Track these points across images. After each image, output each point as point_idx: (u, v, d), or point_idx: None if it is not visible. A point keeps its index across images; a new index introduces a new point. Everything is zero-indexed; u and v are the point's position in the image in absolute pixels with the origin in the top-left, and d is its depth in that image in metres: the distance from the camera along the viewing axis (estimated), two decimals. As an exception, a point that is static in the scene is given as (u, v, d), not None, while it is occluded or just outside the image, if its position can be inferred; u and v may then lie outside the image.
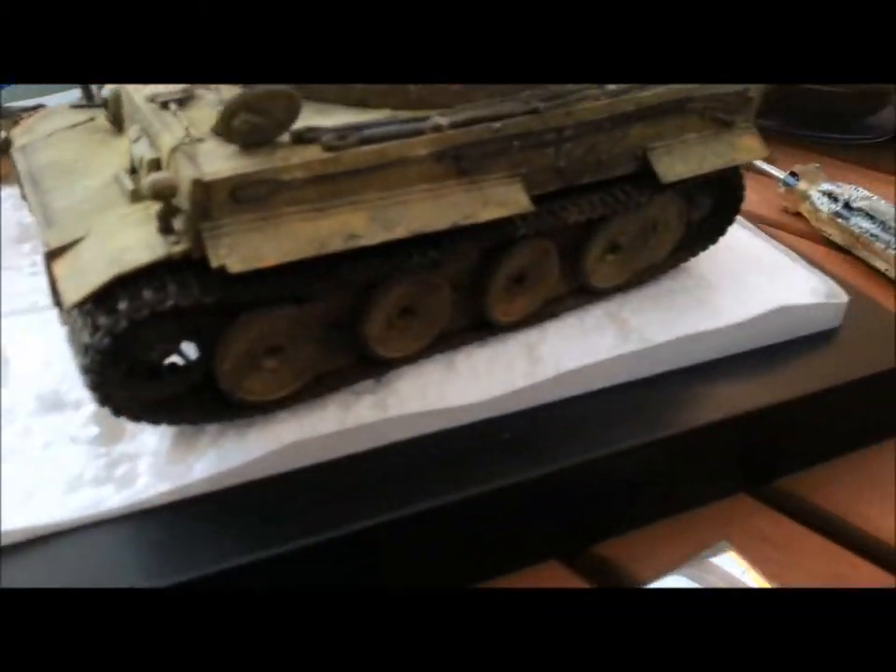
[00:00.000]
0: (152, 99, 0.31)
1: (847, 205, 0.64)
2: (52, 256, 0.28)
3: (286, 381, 0.32)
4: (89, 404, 0.32)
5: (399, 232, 0.30)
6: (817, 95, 0.83)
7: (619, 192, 0.37)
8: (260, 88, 0.27)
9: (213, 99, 0.32)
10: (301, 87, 0.32)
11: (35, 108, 0.53)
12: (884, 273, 0.61)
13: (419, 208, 0.30)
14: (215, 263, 0.26)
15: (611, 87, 0.35)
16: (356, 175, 0.29)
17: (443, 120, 0.30)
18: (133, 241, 0.27)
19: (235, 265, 0.26)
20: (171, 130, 0.29)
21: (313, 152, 0.28)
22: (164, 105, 0.31)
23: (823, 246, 0.67)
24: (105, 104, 0.35)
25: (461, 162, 0.31)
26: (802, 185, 0.69)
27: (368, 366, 0.35)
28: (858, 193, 0.65)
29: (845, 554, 0.39)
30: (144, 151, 0.30)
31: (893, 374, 0.41)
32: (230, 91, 0.32)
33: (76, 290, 0.26)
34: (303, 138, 0.28)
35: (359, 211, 0.29)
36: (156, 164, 0.29)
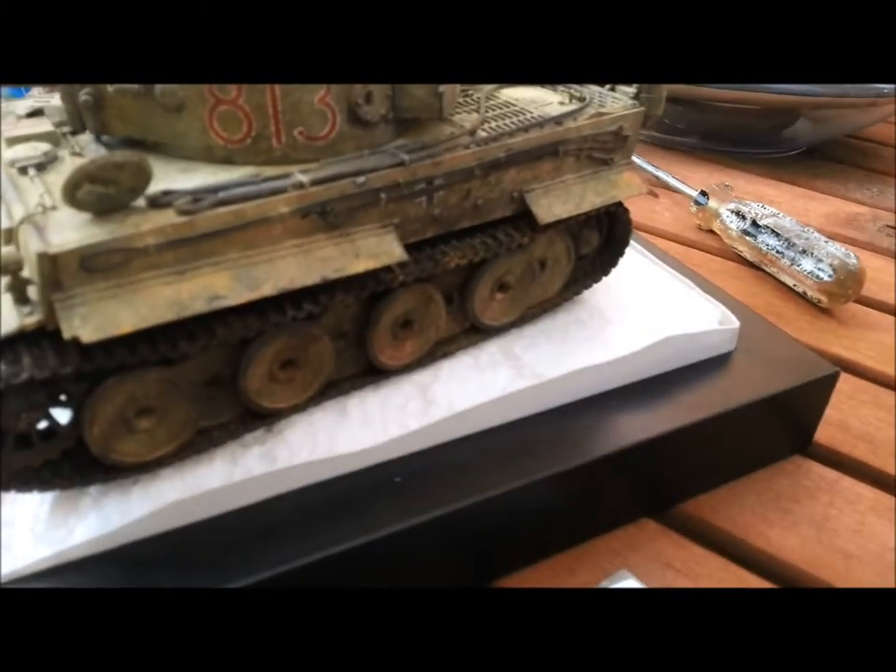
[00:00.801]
0: (11, 163, 0.31)
1: (754, 223, 0.66)
2: None
3: (162, 440, 0.32)
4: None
5: (266, 290, 0.30)
6: (731, 112, 0.86)
7: (500, 234, 0.38)
8: (106, 157, 0.27)
9: (73, 161, 0.32)
10: (164, 146, 0.32)
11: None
12: (792, 288, 0.63)
13: (286, 265, 0.31)
14: (67, 334, 0.26)
15: (482, 134, 0.36)
16: (215, 236, 0.29)
17: (305, 177, 0.31)
18: None
19: (88, 335, 0.26)
20: (25, 199, 0.29)
21: (166, 217, 0.28)
22: (23, 171, 0.31)
23: (735, 262, 0.69)
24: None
25: (328, 217, 0.32)
26: (712, 203, 0.72)
27: (255, 418, 0.35)
28: (764, 211, 0.67)
29: (746, 575, 0.39)
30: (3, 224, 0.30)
31: (786, 395, 0.42)
32: (95, 153, 0.32)
33: None
34: (158, 203, 0.29)
35: (222, 271, 0.29)
36: (7, 235, 0.29)
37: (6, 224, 0.29)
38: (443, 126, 0.36)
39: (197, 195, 0.29)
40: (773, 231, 0.63)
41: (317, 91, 0.32)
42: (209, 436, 0.33)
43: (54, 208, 0.28)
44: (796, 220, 0.64)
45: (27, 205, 0.28)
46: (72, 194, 0.27)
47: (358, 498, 0.34)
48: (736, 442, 0.43)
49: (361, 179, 0.32)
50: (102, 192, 0.27)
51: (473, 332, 0.41)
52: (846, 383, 0.50)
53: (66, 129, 0.34)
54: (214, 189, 0.29)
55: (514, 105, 0.39)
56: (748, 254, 0.66)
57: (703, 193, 0.71)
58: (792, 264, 0.61)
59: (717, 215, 0.69)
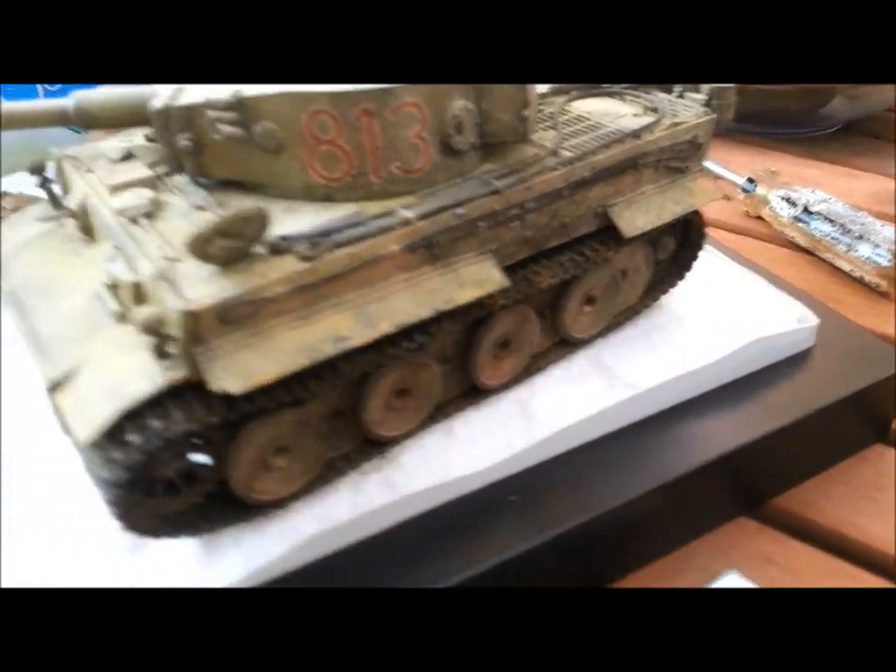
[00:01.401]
0: (121, 213, 0.32)
1: (806, 210, 0.66)
2: (54, 389, 0.29)
3: (296, 476, 0.33)
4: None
5: (385, 328, 0.31)
6: (766, 94, 0.86)
7: (587, 250, 0.38)
8: (234, 213, 0.28)
9: (180, 205, 0.33)
10: (262, 186, 0.33)
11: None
12: (848, 273, 0.63)
13: (399, 300, 0.32)
14: (214, 387, 0.27)
15: (566, 154, 0.36)
16: (334, 278, 0.30)
17: (410, 214, 0.32)
18: (129, 369, 0.28)
19: (234, 387, 0.27)
20: (146, 252, 0.30)
21: (289, 264, 0.29)
22: (133, 221, 0.32)
23: (787, 248, 0.69)
24: (73, 213, 0.36)
25: (433, 249, 0.33)
26: (760, 190, 0.72)
27: (372, 446, 0.36)
28: (815, 197, 0.67)
29: (845, 567, 0.40)
30: (122, 273, 0.31)
31: (868, 389, 0.43)
32: (196, 195, 0.33)
33: (86, 429, 0.27)
34: (278, 249, 0.30)
35: (343, 312, 0.30)
36: (136, 289, 0.30)
37: (129, 276, 0.30)
38: (525, 147, 0.37)
39: (313, 239, 0.30)
40: (826, 217, 0.64)
41: (413, 125, 0.32)
42: (334, 467, 0.35)
43: (178, 260, 0.29)
44: (847, 205, 0.64)
45: (149, 257, 0.29)
46: (203, 250, 0.28)
47: (479, 521, 0.35)
48: (821, 436, 0.43)
49: (462, 210, 0.33)
50: (231, 246, 0.28)
51: (563, 345, 0.42)
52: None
53: (161, 170, 0.35)
54: (327, 232, 0.30)
55: (588, 118, 0.40)
56: (800, 240, 0.66)
57: (750, 180, 0.72)
58: (849, 250, 0.61)
59: (766, 201, 0.70)
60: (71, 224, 0.36)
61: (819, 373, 0.43)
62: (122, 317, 0.30)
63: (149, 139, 0.39)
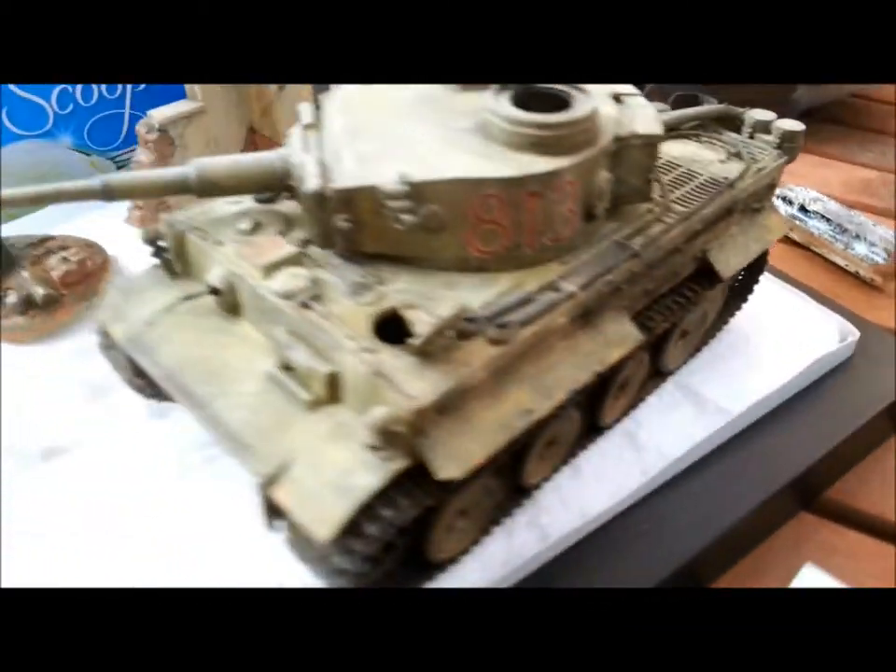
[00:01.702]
0: (286, 296, 0.33)
1: (802, 208, 0.72)
2: (268, 484, 0.30)
3: (470, 533, 0.36)
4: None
5: (560, 396, 0.33)
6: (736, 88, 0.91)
7: (687, 293, 0.42)
8: (453, 312, 0.29)
9: (337, 283, 0.34)
10: (414, 259, 0.34)
11: (44, 241, 0.51)
12: (843, 268, 0.70)
13: (565, 368, 0.34)
14: (442, 476, 0.29)
15: (678, 208, 0.39)
16: (517, 356, 0.32)
17: (573, 287, 0.34)
18: (347, 462, 0.29)
19: (456, 472, 0.29)
20: (336, 341, 0.31)
21: (482, 348, 0.31)
22: (305, 305, 0.33)
23: (783, 243, 0.75)
24: (213, 290, 0.36)
25: (587, 316, 0.35)
26: (754, 188, 0.77)
27: (520, 494, 0.39)
28: (809, 195, 0.73)
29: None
30: (308, 360, 0.31)
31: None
32: (349, 271, 0.34)
33: (324, 527, 0.28)
34: (466, 333, 0.31)
35: (523, 386, 0.32)
36: (331, 378, 0.31)
37: (324, 367, 0.31)
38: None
39: (496, 321, 0.32)
40: (822, 216, 0.69)
41: (567, 200, 0.34)
42: (494, 518, 0.37)
43: (373, 351, 0.30)
44: (840, 204, 0.70)
45: (341, 347, 0.30)
46: (425, 349, 0.29)
47: (621, 551, 0.38)
48: (864, 433, 0.49)
49: (611, 276, 0.35)
50: (443, 342, 0.30)
51: (657, 377, 0.45)
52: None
53: (295, 239, 0.36)
54: (506, 312, 0.32)
55: (679, 166, 0.43)
56: (797, 236, 0.72)
57: (743, 178, 0.77)
58: (846, 248, 0.67)
59: (761, 199, 0.75)
60: (206, 300, 0.36)
61: (863, 380, 0.49)
62: (315, 405, 0.31)
63: (260, 200, 0.39)
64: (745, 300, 0.49)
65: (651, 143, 0.36)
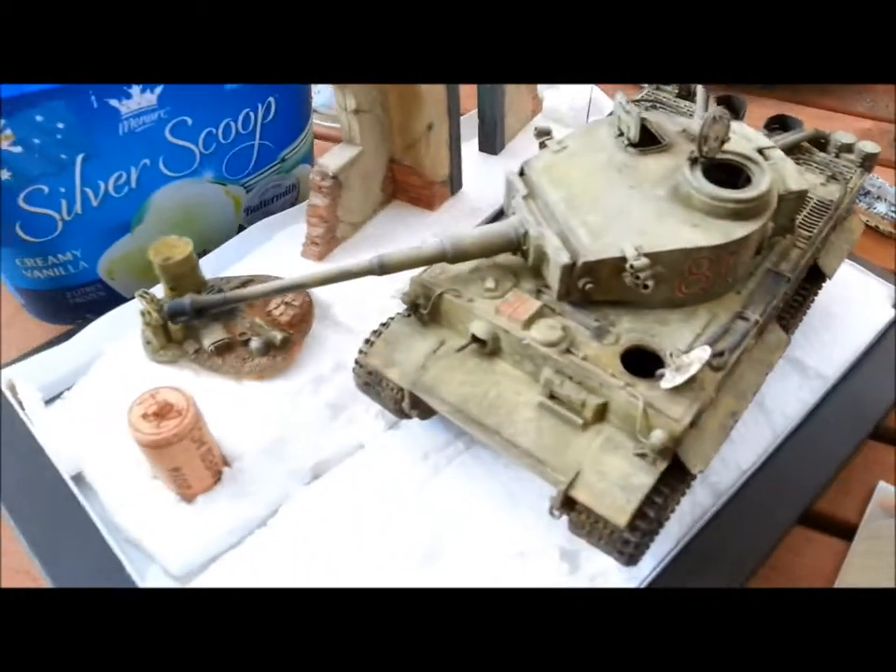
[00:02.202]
0: (550, 345, 0.43)
1: (827, 172, 0.84)
2: (570, 488, 0.41)
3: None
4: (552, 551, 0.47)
5: (750, 398, 0.45)
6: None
7: (803, 292, 0.53)
8: (708, 356, 0.40)
9: (580, 329, 0.44)
10: (636, 302, 0.45)
11: (246, 283, 0.58)
12: (865, 223, 0.82)
13: (749, 375, 0.46)
14: (695, 472, 0.41)
15: (804, 233, 0.50)
16: (726, 377, 0.44)
17: (756, 316, 0.45)
18: (624, 468, 0.41)
19: (703, 467, 0.41)
20: (602, 378, 0.41)
21: (709, 375, 0.42)
22: (567, 351, 0.43)
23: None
24: (474, 339, 0.45)
25: (760, 334, 0.46)
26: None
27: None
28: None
29: None
30: (579, 394, 0.42)
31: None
32: (583, 317, 0.44)
33: (622, 514, 0.40)
34: (714, 366, 0.42)
35: (728, 395, 0.44)
36: (602, 407, 0.42)
37: (595, 399, 0.41)
38: None
39: (715, 352, 0.43)
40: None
41: (750, 252, 0.45)
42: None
43: (633, 385, 0.41)
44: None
45: (607, 383, 0.41)
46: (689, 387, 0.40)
47: (765, 494, 0.52)
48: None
49: (776, 302, 0.46)
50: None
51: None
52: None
53: (533, 293, 0.46)
54: (716, 341, 0.43)
55: None
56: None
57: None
58: (869, 208, 0.80)
59: (789, 162, 0.86)
60: (470, 347, 0.45)
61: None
62: (585, 426, 0.42)
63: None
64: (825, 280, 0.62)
65: (800, 196, 0.46)
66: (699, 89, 0.60)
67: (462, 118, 0.74)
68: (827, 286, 0.62)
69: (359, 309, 0.58)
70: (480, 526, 0.48)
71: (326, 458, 0.51)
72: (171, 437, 0.43)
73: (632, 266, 0.42)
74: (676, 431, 0.40)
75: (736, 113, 0.61)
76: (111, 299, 0.67)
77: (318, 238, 0.60)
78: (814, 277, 0.54)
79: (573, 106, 0.78)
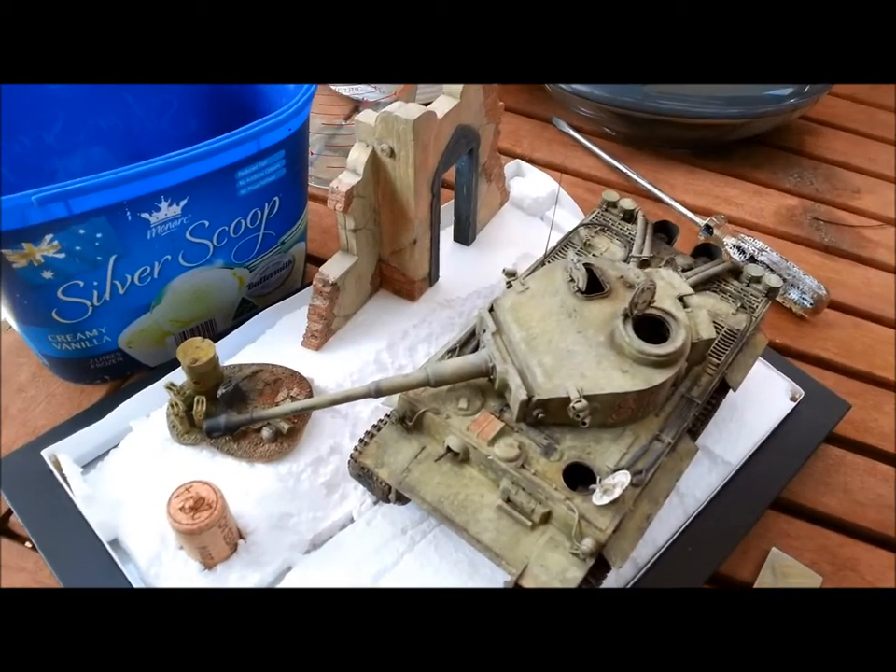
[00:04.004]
0: (508, 461, 0.55)
1: (752, 258, 0.96)
2: (519, 578, 0.53)
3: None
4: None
5: (662, 502, 0.58)
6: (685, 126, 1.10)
7: (712, 401, 0.66)
8: (630, 478, 0.53)
9: (533, 447, 0.56)
10: (575, 425, 0.57)
11: (256, 373, 0.69)
12: (781, 304, 0.95)
13: (662, 482, 0.58)
14: (617, 567, 0.53)
15: (714, 360, 0.63)
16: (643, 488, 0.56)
17: (670, 438, 0.57)
18: (562, 563, 0.53)
19: (621, 563, 0.53)
20: (548, 492, 0.53)
21: (630, 490, 0.54)
22: (522, 466, 0.55)
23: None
24: (449, 450, 0.57)
25: (673, 448, 0.59)
26: (717, 233, 1.00)
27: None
28: (757, 245, 0.97)
29: (827, 533, 0.75)
30: (530, 502, 0.54)
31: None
32: (536, 435, 0.56)
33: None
34: (635, 484, 0.54)
35: (643, 501, 0.56)
36: (547, 513, 0.54)
37: (542, 508, 0.53)
38: None
39: (634, 470, 0.55)
40: (767, 265, 0.95)
41: (668, 388, 0.57)
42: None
43: (572, 499, 0.53)
44: (779, 255, 0.96)
45: (551, 497, 0.53)
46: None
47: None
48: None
49: (686, 424, 0.59)
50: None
51: (689, 445, 0.70)
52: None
53: (496, 412, 0.57)
54: (635, 461, 0.55)
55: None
56: (748, 277, 0.97)
57: (707, 227, 1.00)
58: (784, 293, 0.93)
59: (723, 244, 0.99)
60: (446, 455, 0.57)
61: (805, 422, 0.76)
62: (534, 527, 0.54)
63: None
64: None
65: (710, 341, 0.59)
66: (640, 217, 0.72)
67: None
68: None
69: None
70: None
71: (322, 531, 0.62)
72: (203, 527, 0.54)
73: (573, 407, 0.54)
74: (601, 539, 0.52)
75: (670, 237, 0.73)
76: (128, 364, 0.78)
77: (317, 332, 0.71)
78: (722, 389, 0.67)
79: (536, 199, 0.89)
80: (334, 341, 0.73)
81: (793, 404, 0.76)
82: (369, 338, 0.73)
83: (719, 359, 0.63)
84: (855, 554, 0.72)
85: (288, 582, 0.59)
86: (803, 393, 0.77)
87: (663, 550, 0.65)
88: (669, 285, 0.61)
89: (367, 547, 0.61)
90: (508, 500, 0.55)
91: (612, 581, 0.62)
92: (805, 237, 1.06)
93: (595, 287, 0.60)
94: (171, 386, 0.64)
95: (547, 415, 0.56)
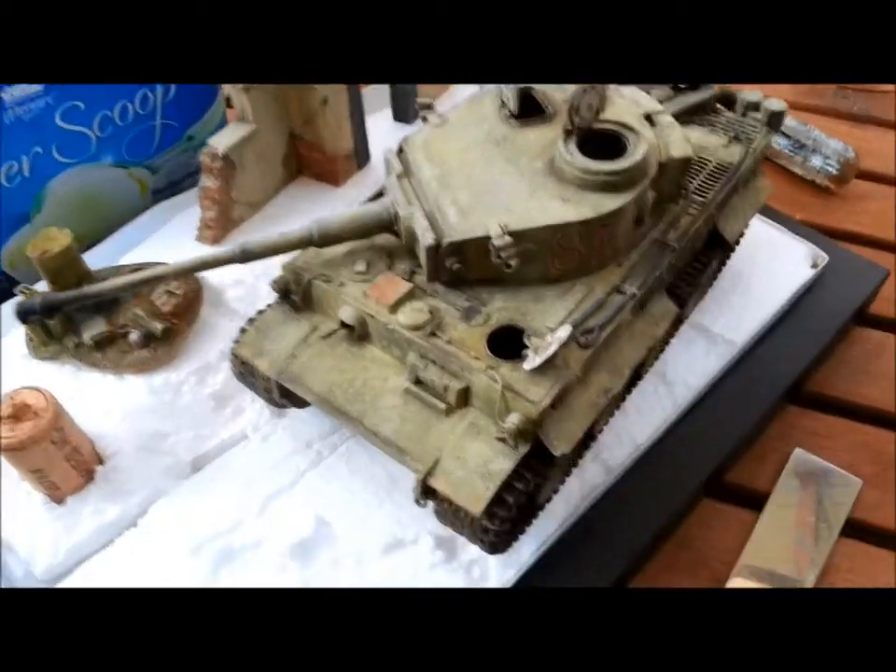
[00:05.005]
0: (415, 328, 0.41)
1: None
2: (427, 477, 0.40)
3: (561, 478, 0.47)
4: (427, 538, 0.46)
5: (627, 373, 0.43)
6: None
7: (703, 259, 0.51)
8: (567, 336, 0.38)
9: (449, 310, 0.42)
10: (510, 281, 0.42)
11: (135, 272, 0.57)
12: (801, 177, 0.79)
13: (627, 349, 0.44)
14: (558, 454, 0.39)
15: (698, 199, 0.48)
16: (599, 351, 0.42)
17: (633, 289, 0.43)
18: (485, 453, 0.39)
19: (567, 448, 0.39)
20: (464, 362, 0.40)
21: (576, 353, 0.40)
22: (432, 334, 0.41)
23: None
24: (345, 325, 0.43)
25: (643, 306, 0.44)
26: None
27: (591, 440, 0.49)
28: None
29: (863, 428, 0.59)
30: (442, 378, 0.40)
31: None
32: (455, 297, 0.42)
33: (477, 503, 0.38)
34: (581, 344, 0.40)
35: (601, 371, 0.42)
36: (464, 391, 0.40)
37: (458, 384, 0.40)
38: None
39: (583, 328, 0.41)
40: (783, 132, 0.78)
41: (627, 222, 0.43)
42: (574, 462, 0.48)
43: (496, 367, 0.39)
44: (798, 120, 0.79)
45: (469, 368, 0.39)
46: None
47: (662, 467, 0.50)
48: (835, 335, 0.61)
49: (658, 272, 0.44)
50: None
51: (678, 323, 0.55)
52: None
53: (406, 274, 0.43)
54: (586, 318, 0.41)
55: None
56: (760, 150, 0.81)
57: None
58: (805, 161, 0.77)
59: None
60: (339, 333, 0.44)
61: (831, 294, 0.60)
62: (448, 412, 0.41)
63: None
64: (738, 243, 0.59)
65: (685, 162, 0.44)
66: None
67: (374, 87, 0.72)
68: (741, 247, 0.60)
69: (254, 293, 0.56)
70: (357, 514, 0.46)
71: (206, 451, 0.50)
72: (26, 440, 0.42)
73: (494, 245, 0.40)
74: (533, 413, 0.38)
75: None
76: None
77: (212, 221, 0.58)
78: (717, 244, 0.52)
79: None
80: (238, 235, 0.61)
81: (814, 272, 0.60)
82: (282, 230, 0.60)
83: (704, 197, 0.48)
84: (902, 451, 0.56)
85: (155, 514, 0.46)
86: (826, 258, 0.61)
87: (644, 450, 0.50)
88: (634, 103, 0.46)
89: (260, 465, 0.48)
90: (417, 381, 0.42)
91: (575, 486, 0.48)
92: (830, 107, 0.89)
93: (535, 112, 0.46)
94: (24, 290, 0.52)
95: (467, 268, 0.42)
